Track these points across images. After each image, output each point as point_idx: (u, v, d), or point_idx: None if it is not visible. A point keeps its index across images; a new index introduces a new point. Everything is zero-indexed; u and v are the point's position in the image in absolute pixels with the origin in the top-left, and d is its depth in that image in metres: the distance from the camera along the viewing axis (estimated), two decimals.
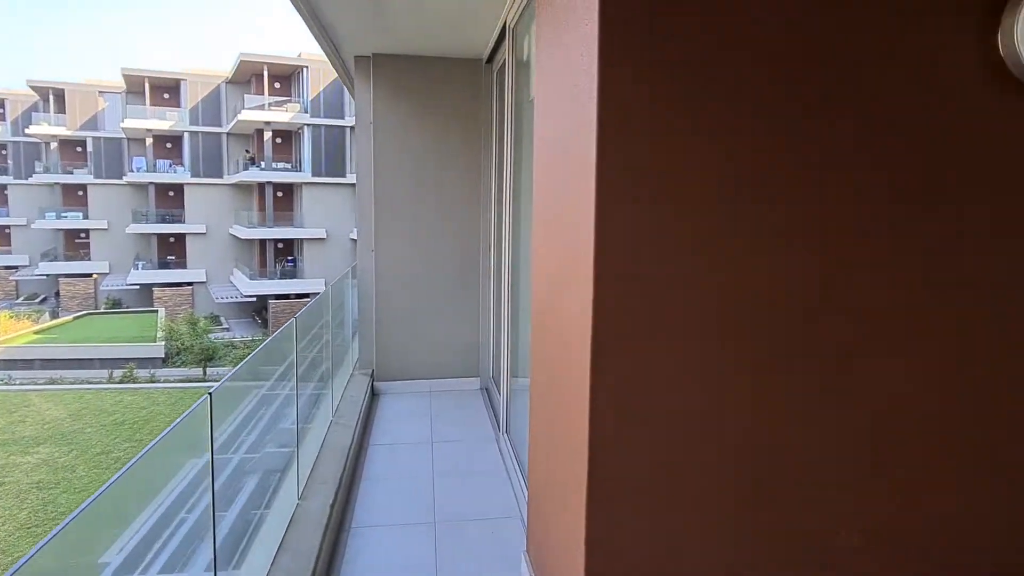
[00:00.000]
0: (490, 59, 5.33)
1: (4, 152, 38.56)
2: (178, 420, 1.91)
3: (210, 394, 2.08)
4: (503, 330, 4.76)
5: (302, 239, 30.49)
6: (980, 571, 1.95)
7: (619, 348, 1.78)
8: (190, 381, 20.49)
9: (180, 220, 32.75)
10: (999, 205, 1.80)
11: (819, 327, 1.81)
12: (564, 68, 2.06)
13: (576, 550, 1.91)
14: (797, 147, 1.74)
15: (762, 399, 1.83)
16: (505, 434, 4.46)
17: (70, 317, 29.91)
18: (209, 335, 24.91)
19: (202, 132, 32.86)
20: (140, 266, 32.12)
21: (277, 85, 31.72)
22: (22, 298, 35.83)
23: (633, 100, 1.70)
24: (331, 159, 30.39)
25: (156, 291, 31.39)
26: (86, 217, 34.30)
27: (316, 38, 4.92)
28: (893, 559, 1.92)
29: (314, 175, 30.28)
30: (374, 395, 5.70)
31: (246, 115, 29.58)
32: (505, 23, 4.25)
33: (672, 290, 1.77)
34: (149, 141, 32.87)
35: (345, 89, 6.65)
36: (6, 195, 37.94)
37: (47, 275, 34.32)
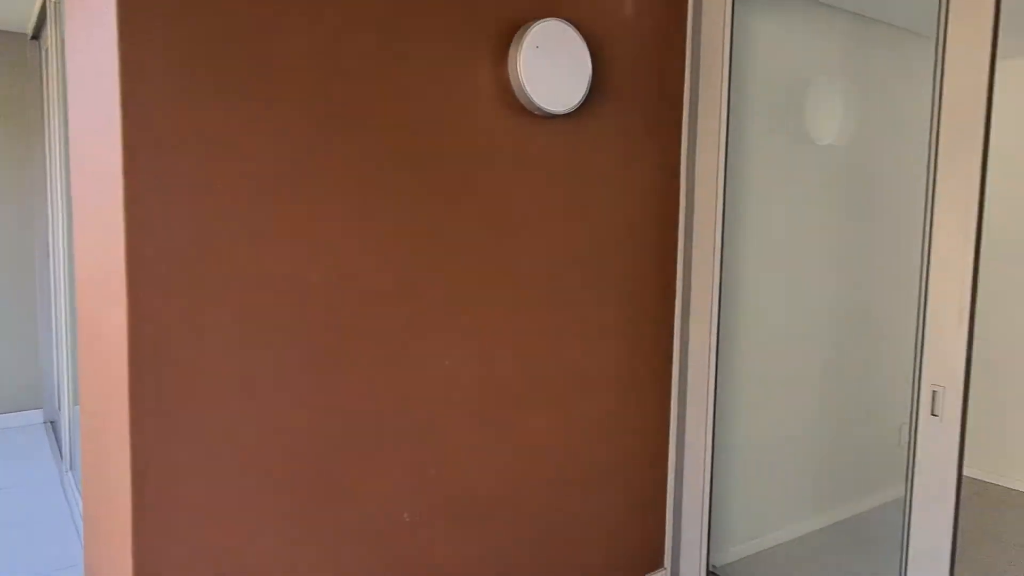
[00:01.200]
0: (37, 35, 4.52)
1: None
2: None
3: None
4: (64, 350, 4.07)
5: None
6: (519, 536, 2.26)
7: (161, 359, 1.62)
8: None
9: None
10: (514, 202, 2.11)
11: (375, 314, 1.89)
12: (90, 45, 1.82)
13: None
14: (341, 149, 1.80)
15: (322, 393, 1.84)
16: (70, 472, 3.82)
17: None
18: None
19: None
20: None
21: None
22: None
23: (159, 90, 1.56)
24: None
25: None
26: None
27: None
28: (446, 532, 2.11)
29: None
30: None
31: None
32: None
33: (221, 291, 1.68)
34: None
35: None
36: None
37: None
